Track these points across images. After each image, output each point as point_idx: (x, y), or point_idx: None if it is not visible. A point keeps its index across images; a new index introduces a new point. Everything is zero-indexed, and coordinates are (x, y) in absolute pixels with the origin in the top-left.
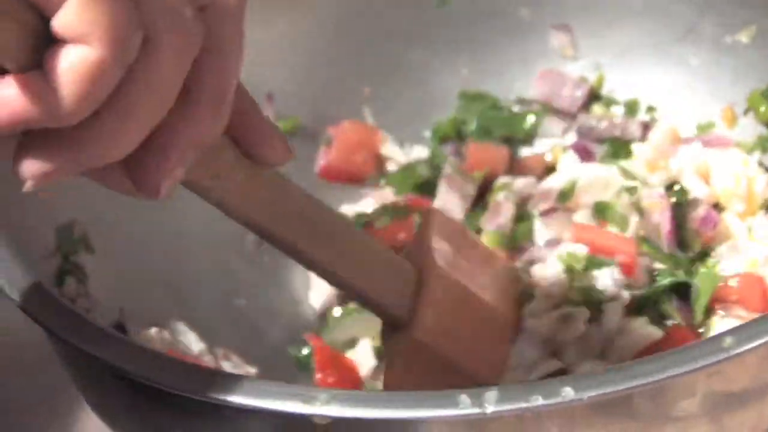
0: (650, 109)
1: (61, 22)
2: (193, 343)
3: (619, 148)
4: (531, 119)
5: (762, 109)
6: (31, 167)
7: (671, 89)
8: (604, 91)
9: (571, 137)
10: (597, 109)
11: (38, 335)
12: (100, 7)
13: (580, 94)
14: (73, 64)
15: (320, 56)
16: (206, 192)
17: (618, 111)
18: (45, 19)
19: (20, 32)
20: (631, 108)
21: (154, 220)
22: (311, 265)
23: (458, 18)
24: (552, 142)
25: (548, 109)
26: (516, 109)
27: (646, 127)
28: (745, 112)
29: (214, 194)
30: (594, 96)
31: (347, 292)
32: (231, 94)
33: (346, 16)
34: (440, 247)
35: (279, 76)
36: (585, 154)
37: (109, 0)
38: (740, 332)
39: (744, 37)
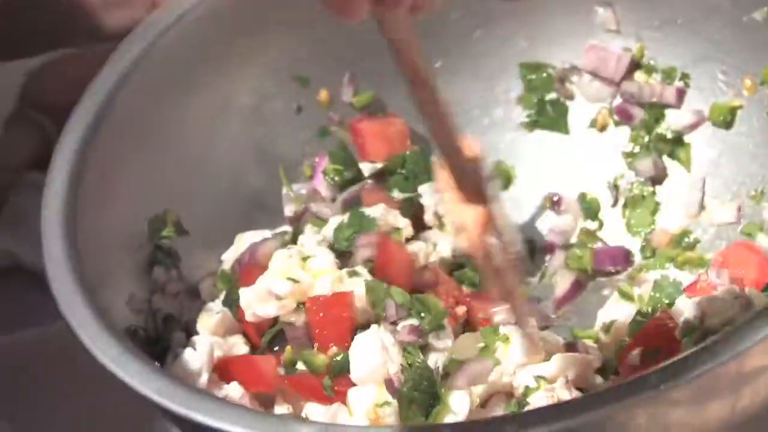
0: (684, 76)
1: None
2: None
3: (656, 111)
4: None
5: None
6: None
7: (700, 60)
8: (645, 61)
9: (616, 101)
10: (639, 75)
11: None
12: None
13: (624, 63)
14: None
15: None
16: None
17: (656, 78)
18: None
19: None
20: (669, 74)
21: None
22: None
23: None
24: (599, 106)
25: (597, 77)
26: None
27: (681, 93)
28: (762, 82)
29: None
30: (636, 64)
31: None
32: None
33: None
34: None
35: (356, 56)
36: (626, 116)
37: None
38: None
39: (758, 16)
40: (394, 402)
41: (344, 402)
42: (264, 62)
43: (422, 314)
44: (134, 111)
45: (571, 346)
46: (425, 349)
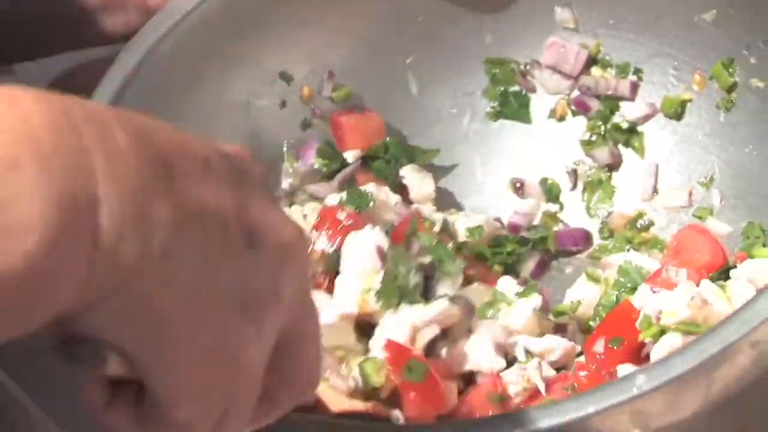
0: (637, 70)
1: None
2: None
3: (611, 103)
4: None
5: (722, 78)
6: None
7: (652, 56)
8: (600, 56)
9: (574, 93)
10: (595, 70)
11: None
12: None
13: (581, 59)
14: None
15: (369, 34)
16: None
17: (611, 73)
18: None
19: None
20: (623, 69)
21: None
22: None
23: None
24: (558, 97)
25: (556, 71)
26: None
27: (635, 86)
28: (710, 77)
29: None
30: (593, 60)
31: None
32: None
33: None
34: None
35: (336, 55)
36: (583, 107)
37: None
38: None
39: (707, 17)
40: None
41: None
42: (254, 62)
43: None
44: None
45: (560, 327)
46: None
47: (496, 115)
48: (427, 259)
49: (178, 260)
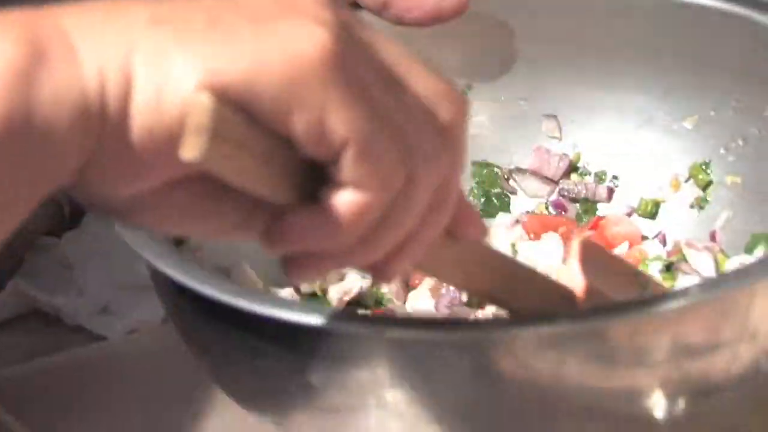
0: (614, 177)
1: (341, 172)
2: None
3: (588, 207)
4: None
5: (700, 176)
6: (298, 273)
7: (632, 164)
8: (580, 164)
9: (553, 197)
10: (574, 177)
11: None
12: (377, 162)
13: (563, 165)
14: (349, 204)
15: None
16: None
17: (590, 179)
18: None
19: (292, 173)
20: (600, 177)
21: None
22: (495, 303)
23: (476, 105)
24: (538, 201)
25: (538, 175)
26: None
27: (611, 191)
28: (686, 179)
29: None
30: (573, 167)
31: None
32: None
33: None
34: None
35: None
36: (561, 208)
37: (384, 155)
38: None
39: (688, 124)
40: None
41: None
42: None
43: None
44: None
45: None
46: None
47: (480, 213)
48: None
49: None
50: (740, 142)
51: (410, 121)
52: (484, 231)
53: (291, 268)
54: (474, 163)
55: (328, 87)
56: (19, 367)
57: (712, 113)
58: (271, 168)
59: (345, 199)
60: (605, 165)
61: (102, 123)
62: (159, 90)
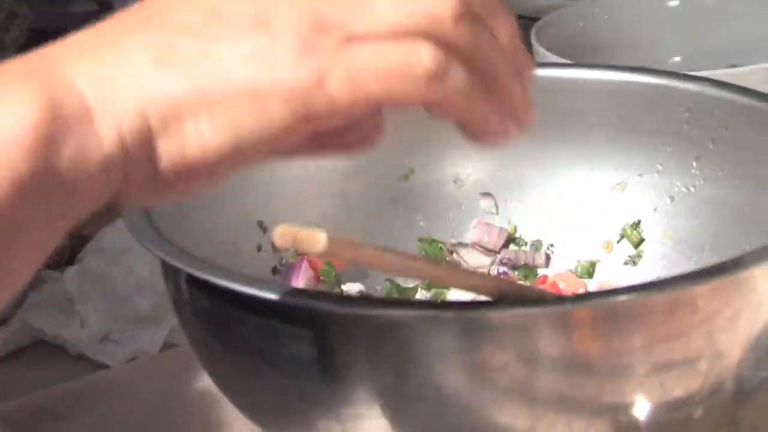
0: (551, 245)
1: None
2: None
3: (528, 272)
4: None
5: (632, 236)
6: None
7: (565, 232)
8: (517, 235)
9: (495, 267)
10: (512, 246)
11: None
12: None
13: (502, 237)
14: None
15: (331, 211)
16: None
17: (527, 248)
18: None
19: None
20: (537, 246)
21: None
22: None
23: (418, 187)
24: (482, 270)
25: (479, 247)
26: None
27: (548, 257)
28: (618, 240)
29: None
30: (510, 239)
31: None
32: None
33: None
34: None
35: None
36: (504, 275)
37: None
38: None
39: (617, 191)
40: None
41: None
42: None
43: None
44: None
45: None
46: None
47: (427, 285)
48: None
49: None
50: (668, 201)
51: None
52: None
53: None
54: (420, 240)
55: None
56: (27, 397)
57: (638, 178)
58: None
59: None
60: (540, 235)
61: (125, 164)
62: (180, 136)
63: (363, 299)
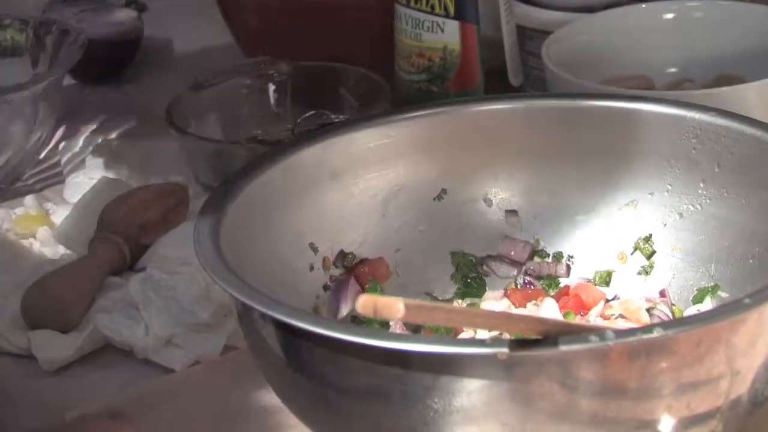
0: (570, 257)
1: None
2: None
3: (551, 282)
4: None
5: (644, 248)
6: None
7: (583, 244)
8: (540, 248)
9: (520, 276)
10: (536, 258)
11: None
12: None
13: (527, 251)
14: None
15: (371, 232)
16: None
17: (549, 260)
18: None
19: None
20: (558, 258)
21: None
22: None
23: (451, 206)
24: (509, 280)
25: (506, 259)
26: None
27: (569, 267)
28: (632, 252)
29: None
30: (534, 252)
31: None
32: None
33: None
34: None
35: (343, 231)
36: (530, 285)
37: None
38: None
39: (630, 208)
40: None
41: None
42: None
43: None
44: None
45: None
46: None
47: (462, 295)
48: None
49: None
50: (677, 217)
51: None
52: None
53: None
54: (452, 253)
55: None
56: (100, 400)
57: (650, 196)
58: None
59: None
60: (561, 247)
61: None
62: None
63: (425, 338)
